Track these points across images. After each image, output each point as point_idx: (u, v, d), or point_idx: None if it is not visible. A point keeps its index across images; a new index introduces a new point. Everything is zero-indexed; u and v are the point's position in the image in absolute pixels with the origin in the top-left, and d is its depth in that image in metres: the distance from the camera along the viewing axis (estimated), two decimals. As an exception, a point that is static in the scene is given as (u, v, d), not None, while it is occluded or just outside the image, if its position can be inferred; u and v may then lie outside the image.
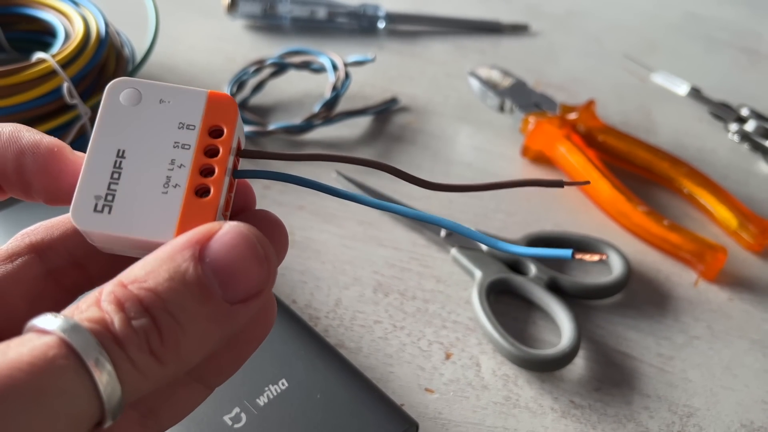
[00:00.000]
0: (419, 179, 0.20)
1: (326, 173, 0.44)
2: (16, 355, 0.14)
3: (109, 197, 0.18)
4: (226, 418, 0.29)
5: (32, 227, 0.21)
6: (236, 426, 0.29)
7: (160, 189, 0.18)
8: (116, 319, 0.16)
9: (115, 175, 0.18)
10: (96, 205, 0.18)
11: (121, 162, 0.19)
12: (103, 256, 0.21)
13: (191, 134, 0.19)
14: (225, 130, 0.19)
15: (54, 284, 0.20)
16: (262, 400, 0.29)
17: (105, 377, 0.15)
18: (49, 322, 0.15)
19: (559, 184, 0.20)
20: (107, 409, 0.15)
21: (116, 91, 0.19)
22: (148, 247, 0.18)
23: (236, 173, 0.20)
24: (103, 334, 0.15)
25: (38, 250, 0.20)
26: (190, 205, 0.18)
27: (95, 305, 0.16)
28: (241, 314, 0.17)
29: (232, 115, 0.19)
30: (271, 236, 0.19)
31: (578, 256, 0.18)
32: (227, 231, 0.17)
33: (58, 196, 0.20)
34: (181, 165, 0.19)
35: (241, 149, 0.20)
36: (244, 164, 0.21)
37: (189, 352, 0.17)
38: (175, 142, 0.19)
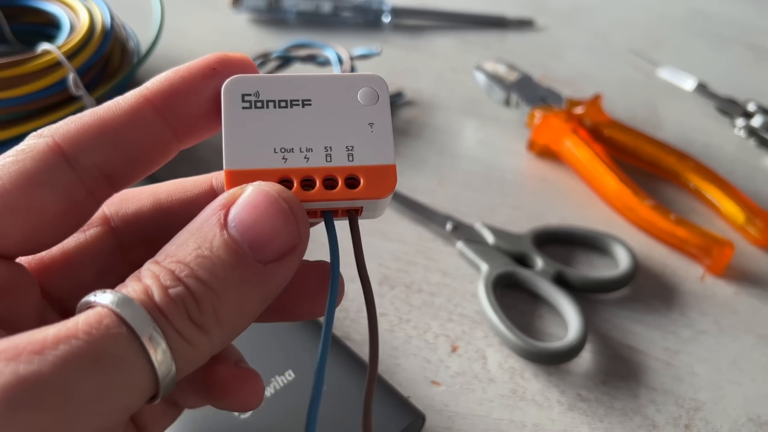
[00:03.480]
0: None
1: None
2: (72, 324, 0.15)
3: (260, 104, 0.19)
4: (233, 409, 0.29)
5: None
6: (242, 416, 0.29)
7: (278, 147, 0.18)
8: (155, 289, 0.16)
9: (283, 104, 0.19)
10: (249, 95, 0.19)
11: (297, 105, 0.19)
12: (173, 235, 0.21)
13: (343, 160, 0.19)
14: (358, 191, 0.19)
15: (122, 259, 0.20)
16: (268, 391, 0.29)
17: (157, 347, 0.15)
18: (100, 297, 0.16)
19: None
20: (161, 381, 0.16)
21: (368, 81, 0.20)
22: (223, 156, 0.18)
23: (327, 215, 0.19)
24: (148, 304, 0.16)
25: (111, 222, 0.20)
26: (268, 175, 0.18)
27: (136, 280, 0.16)
28: (278, 272, 0.17)
29: (376, 193, 0.19)
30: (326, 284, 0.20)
31: None
32: (249, 192, 0.17)
33: None
34: (307, 158, 0.18)
35: (357, 215, 0.20)
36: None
37: (230, 318, 0.17)
38: (330, 147, 0.19)
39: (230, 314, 0.17)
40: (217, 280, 0.16)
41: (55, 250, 0.19)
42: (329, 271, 0.19)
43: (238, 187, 0.18)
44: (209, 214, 0.17)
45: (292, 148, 0.18)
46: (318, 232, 0.21)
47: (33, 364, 0.14)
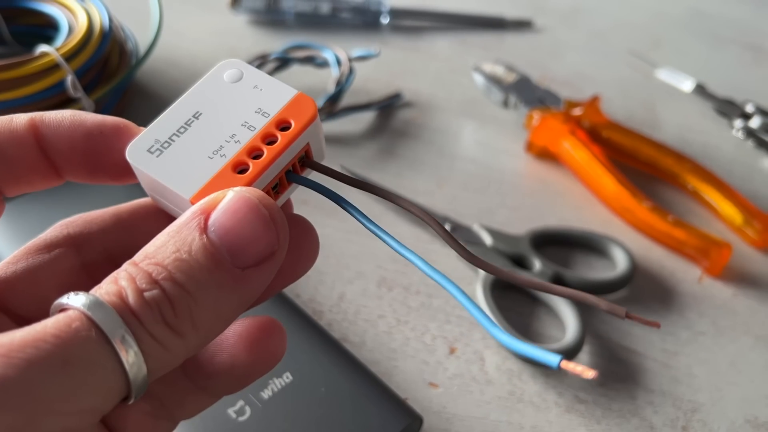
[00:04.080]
0: (464, 249, 0.20)
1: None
2: (41, 328, 0.15)
3: (166, 144, 0.20)
4: (231, 411, 0.29)
5: (71, 218, 0.21)
6: (240, 419, 0.29)
7: (209, 154, 0.19)
8: (129, 292, 0.16)
9: (182, 130, 0.20)
10: (152, 147, 0.20)
11: (192, 122, 0.20)
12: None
13: (262, 120, 0.20)
14: (292, 126, 0.20)
15: (88, 278, 0.21)
16: (266, 393, 0.29)
17: (128, 349, 0.15)
18: (72, 299, 0.16)
19: (620, 313, 0.18)
20: (132, 383, 0.16)
21: (224, 68, 0.21)
22: (176, 201, 0.19)
23: (291, 176, 0.21)
24: (121, 307, 0.16)
25: (75, 243, 0.21)
26: (224, 175, 0.19)
27: (113, 282, 0.16)
28: (255, 279, 0.17)
29: (307, 117, 0.20)
30: (302, 241, 0.20)
31: (564, 365, 0.17)
32: (230, 197, 0.17)
33: (129, 171, 0.20)
34: (238, 141, 0.20)
35: (310, 159, 0.21)
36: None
37: (205, 323, 0.17)
38: (245, 122, 0.20)
39: (206, 318, 0.17)
40: (194, 284, 0.16)
41: (20, 269, 0.20)
42: (305, 223, 0.21)
43: (220, 191, 0.18)
44: (189, 217, 0.17)
45: (220, 146, 0.20)
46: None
47: None
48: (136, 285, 0.16)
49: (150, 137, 0.20)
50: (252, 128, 0.20)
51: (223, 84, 0.21)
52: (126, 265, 0.17)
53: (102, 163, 0.20)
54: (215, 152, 0.19)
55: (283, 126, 0.20)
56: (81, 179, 0.21)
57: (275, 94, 0.20)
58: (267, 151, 0.19)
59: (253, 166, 0.19)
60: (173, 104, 0.20)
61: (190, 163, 0.19)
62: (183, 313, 0.16)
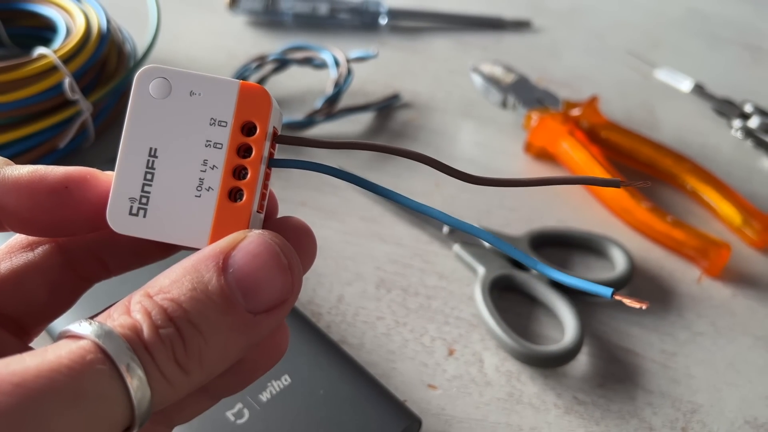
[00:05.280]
0: (458, 171, 0.19)
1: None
2: (55, 358, 0.15)
3: (144, 200, 0.18)
4: (229, 414, 0.29)
5: None
6: (239, 422, 0.29)
7: (194, 192, 0.18)
8: (145, 327, 0.16)
9: (148, 176, 0.18)
10: (131, 208, 0.18)
11: (153, 162, 0.18)
12: (119, 250, 0.21)
13: (223, 132, 0.18)
14: (258, 128, 0.18)
15: (72, 274, 0.21)
16: (264, 396, 0.29)
17: (136, 383, 0.15)
18: (84, 327, 0.16)
19: (615, 183, 0.18)
20: (137, 416, 0.16)
21: (146, 81, 0.18)
22: (185, 248, 0.18)
23: (271, 162, 0.19)
24: (134, 341, 0.16)
25: (57, 240, 0.20)
26: (224, 209, 0.18)
27: (126, 313, 0.16)
28: (265, 324, 0.17)
29: (265, 109, 0.18)
30: (299, 244, 0.19)
31: (618, 297, 0.17)
32: (251, 240, 0.17)
33: (100, 224, 0.19)
34: (214, 166, 0.18)
35: (277, 135, 0.20)
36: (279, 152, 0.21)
37: (212, 362, 0.17)
38: (207, 141, 0.18)
39: (213, 358, 0.17)
40: (207, 325, 0.16)
41: (4, 269, 0.19)
42: (302, 226, 0.20)
43: (241, 232, 0.18)
44: (208, 255, 0.17)
45: (199, 178, 0.18)
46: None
47: (12, 397, 0.14)
48: (151, 320, 0.16)
49: (122, 198, 0.18)
50: (219, 145, 0.18)
51: (155, 103, 0.18)
52: (140, 297, 0.16)
53: (68, 219, 0.19)
54: (199, 187, 0.18)
55: (248, 128, 0.18)
56: (37, 234, 0.20)
57: (218, 94, 0.18)
58: (249, 166, 0.18)
59: (245, 188, 0.18)
60: (121, 148, 0.18)
61: (182, 210, 0.18)
62: (193, 352, 0.16)
